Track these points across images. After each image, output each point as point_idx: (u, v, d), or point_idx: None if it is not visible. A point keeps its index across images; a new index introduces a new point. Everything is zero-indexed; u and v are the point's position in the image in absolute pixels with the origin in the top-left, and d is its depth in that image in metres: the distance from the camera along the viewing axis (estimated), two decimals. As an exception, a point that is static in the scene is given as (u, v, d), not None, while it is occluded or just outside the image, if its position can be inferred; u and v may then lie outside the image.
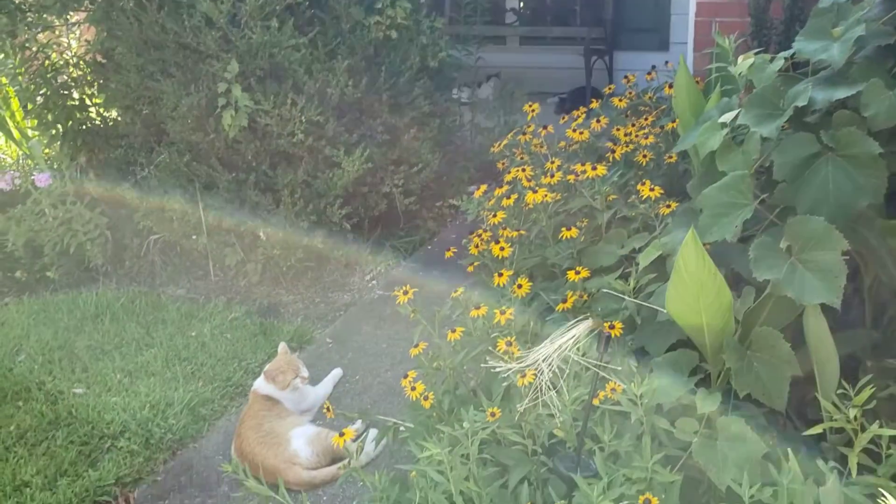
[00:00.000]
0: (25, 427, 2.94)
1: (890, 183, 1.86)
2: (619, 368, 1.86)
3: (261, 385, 2.86)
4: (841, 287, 1.66)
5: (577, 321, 1.83)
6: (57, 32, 4.39)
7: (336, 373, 3.17)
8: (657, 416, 1.84)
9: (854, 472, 1.54)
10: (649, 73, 3.74)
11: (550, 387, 1.81)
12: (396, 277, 4.04)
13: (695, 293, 1.74)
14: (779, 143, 1.94)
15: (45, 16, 3.82)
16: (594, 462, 1.77)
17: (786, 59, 2.16)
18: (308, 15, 3.92)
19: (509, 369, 1.84)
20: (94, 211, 4.28)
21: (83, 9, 4.00)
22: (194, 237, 4.11)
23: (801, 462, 1.64)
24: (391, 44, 4.11)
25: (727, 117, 2.05)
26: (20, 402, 3.11)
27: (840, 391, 1.66)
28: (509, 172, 3.02)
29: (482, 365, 2.15)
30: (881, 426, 1.57)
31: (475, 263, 2.72)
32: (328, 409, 2.23)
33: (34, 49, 4.13)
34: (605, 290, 2.25)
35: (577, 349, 1.89)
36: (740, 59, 2.22)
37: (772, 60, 2.15)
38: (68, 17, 4.10)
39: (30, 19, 3.74)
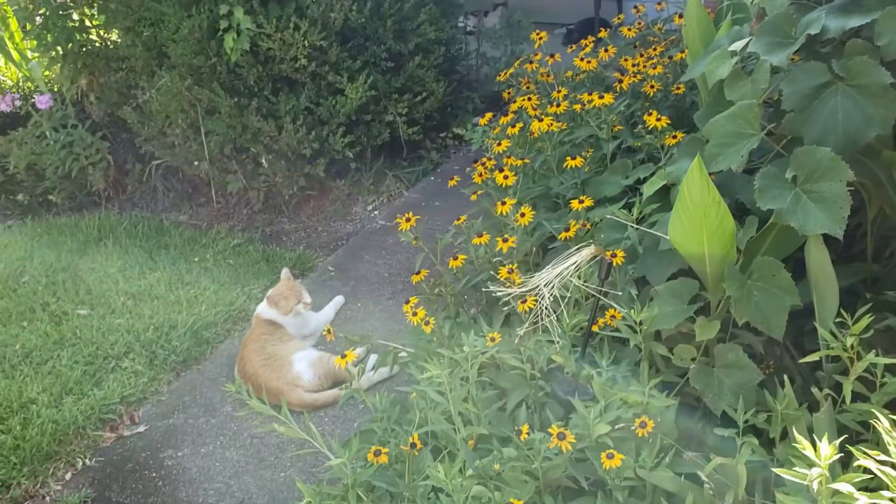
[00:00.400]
0: (30, 346, 2.99)
1: (899, 114, 1.83)
2: (620, 294, 1.87)
3: (263, 310, 2.89)
4: (844, 218, 1.66)
5: (580, 247, 1.83)
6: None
7: (338, 300, 3.19)
8: (655, 342, 1.86)
9: (848, 399, 1.56)
10: (659, 3, 3.66)
11: (550, 312, 1.82)
12: (399, 207, 4.03)
13: (698, 221, 1.74)
14: (789, 72, 1.91)
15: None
16: (591, 387, 1.80)
17: (800, -14, 2.11)
18: (312, -64, 3.82)
19: (510, 294, 1.85)
20: (95, 135, 4.26)
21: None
22: (196, 163, 4.09)
23: (796, 390, 1.66)
24: (397, -33, 4.02)
25: (737, 46, 2.01)
26: (25, 322, 3.15)
27: (838, 320, 1.67)
28: (515, 102, 2.99)
29: (484, 290, 2.16)
30: (877, 356, 1.59)
31: (478, 192, 2.71)
32: (329, 331, 2.26)
33: (32, -33, 4.04)
34: (607, 218, 2.24)
35: (579, 276, 1.90)
36: (753, -15, 2.16)
37: (786, -13, 2.10)
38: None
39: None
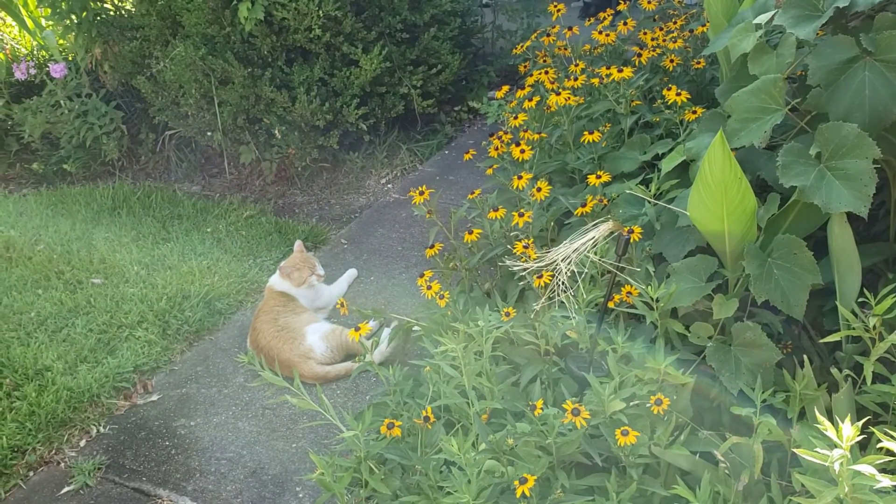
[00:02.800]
0: (45, 314, 2.99)
1: (928, 91, 1.79)
2: (637, 270, 1.85)
3: (276, 281, 2.88)
4: (870, 195, 1.63)
5: (597, 223, 1.81)
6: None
7: (351, 273, 3.18)
8: (672, 320, 1.84)
9: (869, 380, 1.54)
10: (681, -25, 3.59)
11: (566, 288, 1.80)
12: (413, 181, 4.01)
13: (718, 198, 1.71)
14: (815, 46, 1.87)
15: None
16: (606, 363, 1.78)
17: (829, -43, 2.06)
18: None
19: (526, 269, 1.83)
20: (109, 104, 4.24)
21: None
22: (209, 134, 4.07)
23: (815, 370, 1.64)
24: (413, -64, 3.96)
25: (762, 18, 1.97)
26: (40, 290, 3.16)
27: (860, 300, 1.64)
28: (531, 75, 2.95)
29: (499, 265, 2.14)
30: (899, 337, 1.56)
31: (494, 166, 2.69)
32: (342, 304, 2.25)
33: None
34: (625, 194, 2.21)
35: (596, 252, 1.88)
36: (781, -43, 2.11)
37: (814, -42, 2.05)
38: None
39: None
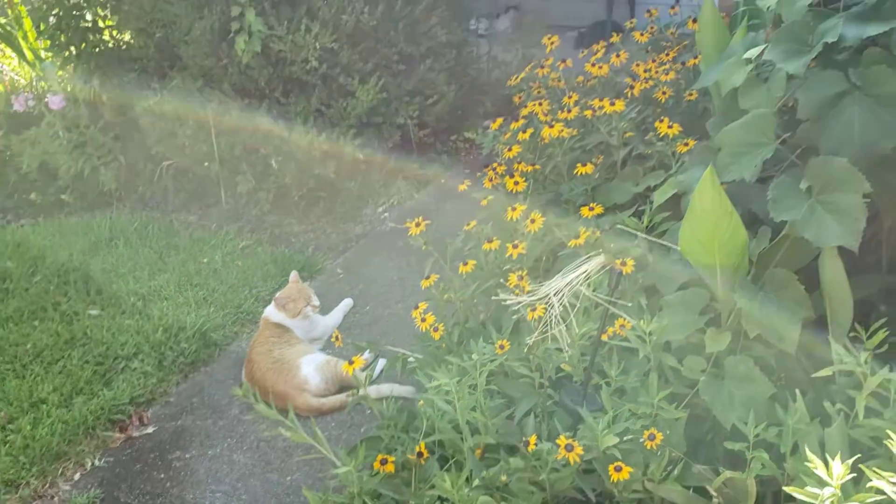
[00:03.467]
0: (42, 346, 2.99)
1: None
2: (630, 304, 1.85)
3: (272, 312, 2.88)
4: (860, 230, 1.64)
5: (589, 256, 1.82)
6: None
7: (346, 303, 3.19)
8: (665, 353, 1.84)
9: (861, 415, 1.55)
10: (673, 7, 3.64)
11: (560, 321, 1.81)
12: (409, 210, 4.02)
13: (709, 231, 1.72)
14: (805, 80, 1.89)
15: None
16: (600, 397, 1.78)
17: (818, -7, 2.09)
18: (325, -62, 3.83)
19: (520, 302, 1.83)
20: (107, 135, 4.27)
21: (96, -73, 3.91)
22: (206, 164, 4.09)
23: (808, 404, 1.64)
24: (409, -30, 4.01)
25: (752, 53, 1.99)
26: (36, 322, 3.16)
27: (852, 334, 1.65)
28: (526, 106, 2.98)
29: (493, 298, 2.15)
30: (891, 370, 1.57)
31: (489, 198, 2.70)
32: (337, 337, 2.25)
33: (46, -33, 4.06)
34: (618, 227, 2.23)
35: (588, 284, 1.88)
36: (769, -8, 2.14)
37: (802, -6, 2.08)
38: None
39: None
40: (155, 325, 3.10)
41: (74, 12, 4.18)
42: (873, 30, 1.82)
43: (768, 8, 2.10)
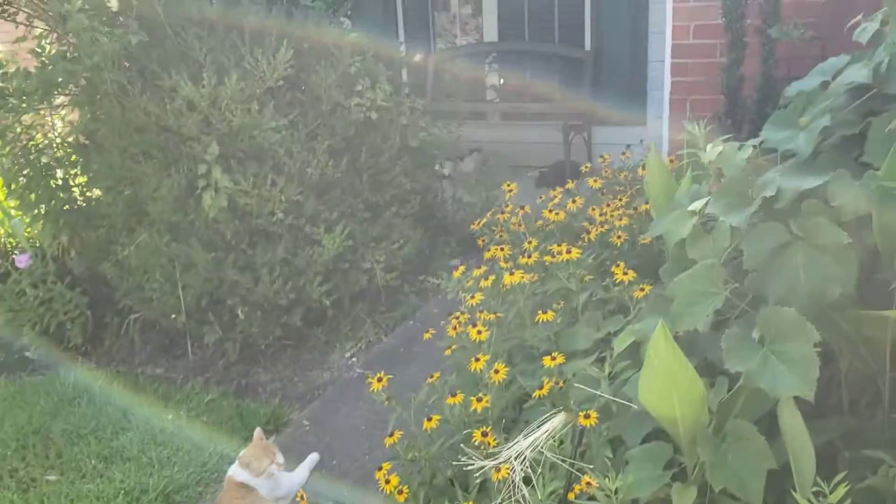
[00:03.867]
0: (-7, 519, 2.87)
1: (861, 271, 1.87)
2: (591, 467, 1.83)
3: (236, 472, 2.79)
4: (814, 380, 1.65)
5: (552, 414, 1.81)
6: (42, 113, 4.42)
7: (313, 458, 3.10)
8: (633, 510, 1.80)
9: (832, 572, 1.51)
10: (624, 153, 3.80)
11: (526, 482, 1.78)
12: (377, 354, 4.01)
13: (667, 384, 1.73)
14: (749, 231, 1.96)
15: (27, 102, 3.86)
16: (570, 560, 1.73)
17: (754, 146, 2.20)
18: (288, 97, 3.99)
19: (483, 466, 1.81)
20: (74, 290, 4.26)
21: (67, 92, 4.05)
22: (173, 316, 4.08)
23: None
24: (371, 124, 4.17)
25: (696, 205, 2.07)
26: (-10, 492, 3.04)
27: (816, 489, 1.63)
28: (489, 250, 3.04)
29: (455, 462, 2.11)
30: (859, 523, 1.55)
31: (453, 347, 2.71)
32: (302, 497, 2.19)
33: (18, 130, 4.16)
34: (580, 375, 2.23)
35: (553, 441, 1.86)
36: (709, 146, 2.25)
37: (740, 148, 2.19)
38: (52, 99, 4.15)
39: (11, 105, 3.77)
40: (116, 489, 3.00)
41: (45, 172, 4.26)
42: (809, 183, 1.91)
43: (710, 162, 2.20)
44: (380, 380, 2.38)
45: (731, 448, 1.74)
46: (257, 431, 2.91)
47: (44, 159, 4.29)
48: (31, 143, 4.27)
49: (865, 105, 2.10)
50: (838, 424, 1.99)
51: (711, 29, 4.34)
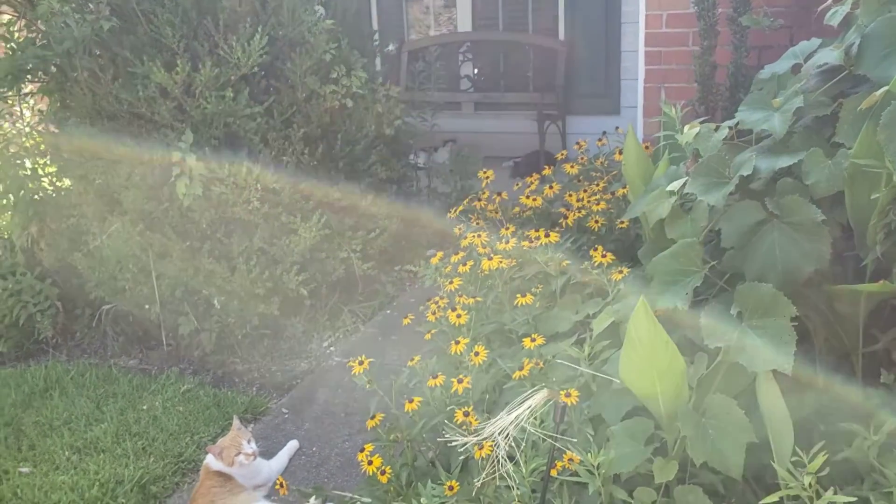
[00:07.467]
0: (-35, 511, 2.82)
1: (834, 247, 1.91)
2: (574, 440, 1.84)
3: (212, 460, 2.77)
4: (792, 353, 1.68)
5: (534, 391, 1.82)
6: (10, 102, 4.34)
7: (292, 445, 3.10)
8: (615, 486, 1.82)
9: (811, 540, 1.54)
10: (600, 140, 3.82)
11: (508, 459, 1.79)
12: (355, 343, 4.00)
13: (647, 362, 1.75)
14: (726, 210, 1.99)
15: (-4, 88, 3.79)
16: (554, 536, 1.75)
17: (730, 128, 2.23)
18: (263, 84, 3.95)
19: (466, 443, 1.81)
20: (44, 282, 4.19)
21: (37, 80, 3.98)
22: (147, 307, 4.02)
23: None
24: (347, 112, 4.15)
25: (674, 186, 2.10)
26: (-39, 485, 2.98)
27: (794, 459, 1.66)
28: (465, 238, 3.04)
29: (439, 440, 2.12)
30: (836, 492, 1.58)
31: (432, 331, 2.71)
32: (282, 485, 2.18)
33: (-15, 119, 4.09)
34: (560, 356, 2.24)
35: (535, 419, 1.87)
36: (686, 127, 2.27)
37: (717, 129, 2.22)
38: (21, 86, 4.08)
39: (-20, 92, 3.70)
40: (91, 481, 2.96)
41: (14, 161, 4.18)
42: (784, 162, 1.95)
43: (687, 143, 2.23)
44: (361, 363, 2.37)
45: (711, 423, 1.76)
46: (235, 419, 2.90)
47: (12, 149, 4.22)
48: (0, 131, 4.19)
49: (837, 87, 2.14)
50: (814, 400, 2.03)
51: (684, 18, 4.38)
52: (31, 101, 4.42)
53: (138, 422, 3.38)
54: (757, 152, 2.04)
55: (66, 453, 3.18)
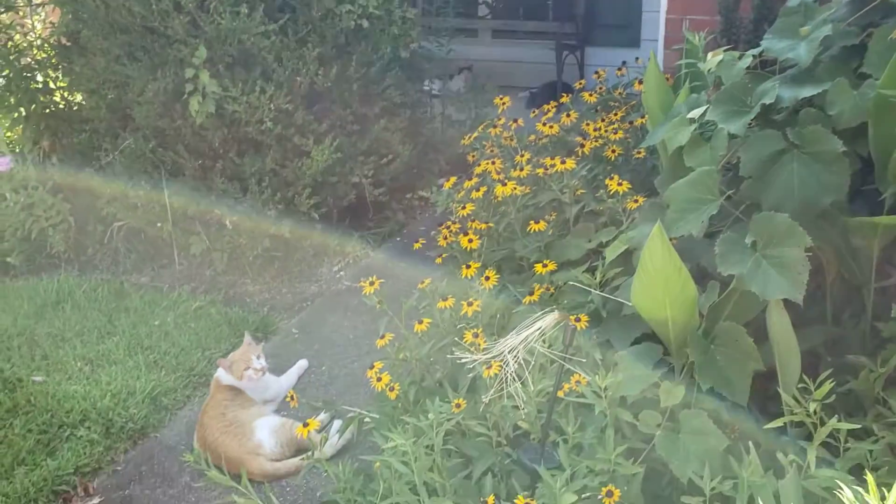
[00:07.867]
0: (-18, 415, 2.88)
1: (853, 180, 1.89)
2: (584, 360, 1.86)
3: (223, 375, 2.83)
4: (804, 283, 1.68)
5: (544, 313, 1.83)
6: (21, 13, 4.29)
7: (301, 363, 3.14)
8: (621, 408, 1.85)
9: (812, 466, 1.56)
10: (619, 69, 3.75)
11: (515, 378, 1.81)
12: (365, 268, 4.02)
13: (660, 287, 1.75)
14: (746, 139, 1.96)
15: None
16: (558, 454, 1.78)
17: (754, 56, 2.18)
18: (279, 2, 3.88)
19: (475, 360, 1.83)
20: (56, 196, 4.20)
21: (48, -10, 3.92)
22: (159, 225, 4.04)
23: (761, 455, 1.66)
24: (362, 33, 4.07)
25: (695, 113, 2.06)
26: (-23, 390, 3.05)
27: (801, 385, 1.67)
28: (479, 165, 3.02)
29: (448, 356, 2.14)
30: (840, 420, 1.60)
31: (443, 255, 2.72)
32: (292, 397, 2.22)
33: (-4, 29, 4.04)
34: (571, 283, 2.25)
35: (544, 341, 1.89)
36: (710, 55, 2.23)
37: (740, 58, 2.17)
38: (32, -3, 4.03)
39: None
40: (103, 391, 3.02)
41: (25, 74, 4.15)
42: (807, 91, 1.91)
43: (709, 71, 2.19)
44: (372, 283, 2.38)
45: (719, 349, 1.78)
46: (246, 335, 2.94)
47: (23, 61, 4.18)
48: (10, 43, 4.15)
49: (867, 17, 2.09)
50: (822, 332, 2.04)
51: (710, -54, 4.25)
52: (43, 14, 4.36)
53: (150, 336, 3.43)
54: (780, 81, 1.99)
55: (79, 364, 3.23)
